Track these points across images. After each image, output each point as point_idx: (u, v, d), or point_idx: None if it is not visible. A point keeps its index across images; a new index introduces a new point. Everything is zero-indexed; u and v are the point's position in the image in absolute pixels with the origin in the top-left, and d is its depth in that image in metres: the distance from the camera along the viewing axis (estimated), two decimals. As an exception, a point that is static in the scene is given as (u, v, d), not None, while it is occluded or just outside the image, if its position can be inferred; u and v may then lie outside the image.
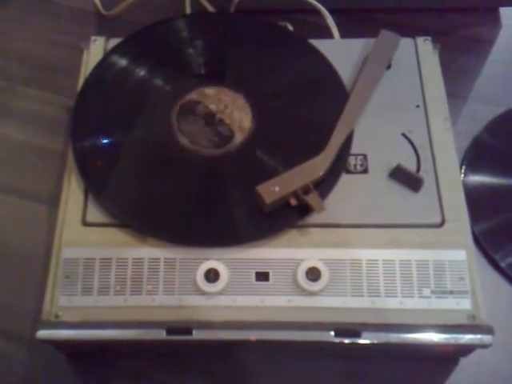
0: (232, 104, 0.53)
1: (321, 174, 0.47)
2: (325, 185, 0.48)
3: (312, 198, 0.46)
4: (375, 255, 0.46)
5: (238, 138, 0.51)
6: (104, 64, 0.55)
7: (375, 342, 0.44)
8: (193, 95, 0.54)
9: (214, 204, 0.48)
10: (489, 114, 0.61)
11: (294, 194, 0.47)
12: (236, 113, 0.52)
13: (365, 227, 0.47)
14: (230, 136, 0.51)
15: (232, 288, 0.46)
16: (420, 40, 0.57)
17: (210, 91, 0.54)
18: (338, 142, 0.49)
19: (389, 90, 0.54)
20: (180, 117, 0.52)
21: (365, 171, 0.50)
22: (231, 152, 0.51)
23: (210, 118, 0.52)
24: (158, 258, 0.46)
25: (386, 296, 0.45)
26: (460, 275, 0.46)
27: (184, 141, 0.51)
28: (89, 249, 0.47)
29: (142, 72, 0.55)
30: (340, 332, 0.44)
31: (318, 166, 0.48)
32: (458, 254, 0.46)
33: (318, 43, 0.56)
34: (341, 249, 0.46)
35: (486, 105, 0.62)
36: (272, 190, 0.46)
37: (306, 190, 0.47)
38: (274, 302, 0.45)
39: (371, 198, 0.49)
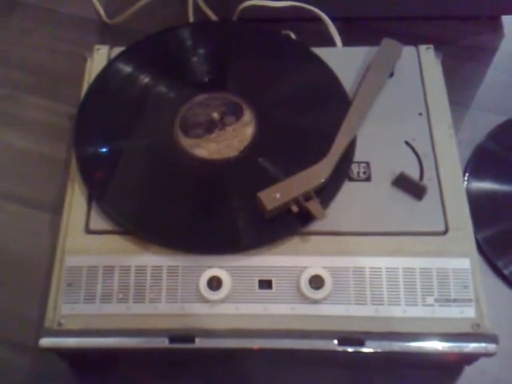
0: (235, 112, 0.53)
1: (322, 180, 0.47)
2: (328, 192, 0.48)
3: (313, 205, 0.46)
4: (378, 263, 0.46)
5: (240, 146, 0.51)
6: (107, 72, 0.55)
7: (379, 350, 0.44)
8: (195, 103, 0.54)
9: (216, 211, 0.48)
10: (491, 122, 0.61)
11: (296, 200, 0.46)
12: (239, 121, 0.53)
13: (368, 235, 0.47)
14: (231, 144, 0.51)
15: (235, 296, 0.45)
16: (422, 48, 0.57)
17: (212, 99, 0.54)
18: (339, 148, 0.49)
19: (392, 98, 0.54)
20: (182, 124, 0.52)
21: (368, 179, 0.50)
22: (234, 160, 0.51)
23: (213, 126, 0.52)
24: (161, 266, 0.46)
25: (390, 304, 0.45)
26: (464, 283, 0.45)
27: (187, 148, 0.51)
28: (92, 256, 0.47)
29: (145, 80, 0.55)
30: (343, 340, 0.44)
31: (319, 172, 0.48)
32: (462, 262, 0.46)
33: (321, 51, 0.56)
34: (344, 257, 0.46)
35: (488, 113, 0.62)
36: (273, 197, 0.46)
37: (307, 197, 0.47)
38: (277, 310, 0.45)
39: (374, 205, 0.49)
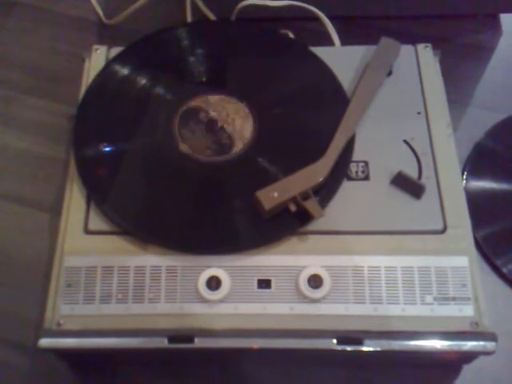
0: (233, 111, 0.53)
1: (320, 179, 0.47)
2: (326, 192, 0.48)
3: (311, 204, 0.46)
4: (377, 262, 0.46)
5: (238, 146, 0.51)
6: (106, 73, 0.55)
7: (378, 349, 0.44)
8: (194, 103, 0.54)
9: (215, 211, 0.48)
10: (489, 120, 0.61)
11: (294, 199, 0.47)
12: (237, 120, 0.53)
13: (367, 234, 0.47)
14: (230, 144, 0.51)
15: (234, 296, 0.46)
16: (420, 47, 0.57)
17: (211, 99, 0.54)
18: (337, 147, 0.49)
19: (390, 97, 0.54)
20: (181, 125, 0.52)
21: (366, 178, 0.50)
22: (232, 160, 0.51)
23: (212, 126, 0.52)
24: (160, 266, 0.46)
25: (388, 303, 0.45)
26: (462, 282, 0.45)
27: (185, 149, 0.51)
28: (91, 257, 0.47)
29: (143, 80, 0.55)
30: (342, 340, 0.44)
31: (317, 171, 0.48)
32: (460, 260, 0.46)
33: (319, 50, 0.56)
34: (343, 256, 0.46)
35: (486, 111, 0.62)
36: (271, 196, 0.46)
37: (306, 196, 0.47)
38: (276, 309, 0.45)
39: (373, 204, 0.49)
